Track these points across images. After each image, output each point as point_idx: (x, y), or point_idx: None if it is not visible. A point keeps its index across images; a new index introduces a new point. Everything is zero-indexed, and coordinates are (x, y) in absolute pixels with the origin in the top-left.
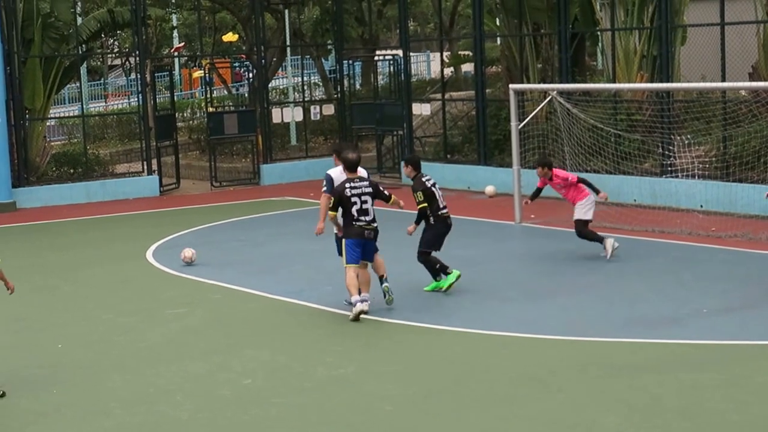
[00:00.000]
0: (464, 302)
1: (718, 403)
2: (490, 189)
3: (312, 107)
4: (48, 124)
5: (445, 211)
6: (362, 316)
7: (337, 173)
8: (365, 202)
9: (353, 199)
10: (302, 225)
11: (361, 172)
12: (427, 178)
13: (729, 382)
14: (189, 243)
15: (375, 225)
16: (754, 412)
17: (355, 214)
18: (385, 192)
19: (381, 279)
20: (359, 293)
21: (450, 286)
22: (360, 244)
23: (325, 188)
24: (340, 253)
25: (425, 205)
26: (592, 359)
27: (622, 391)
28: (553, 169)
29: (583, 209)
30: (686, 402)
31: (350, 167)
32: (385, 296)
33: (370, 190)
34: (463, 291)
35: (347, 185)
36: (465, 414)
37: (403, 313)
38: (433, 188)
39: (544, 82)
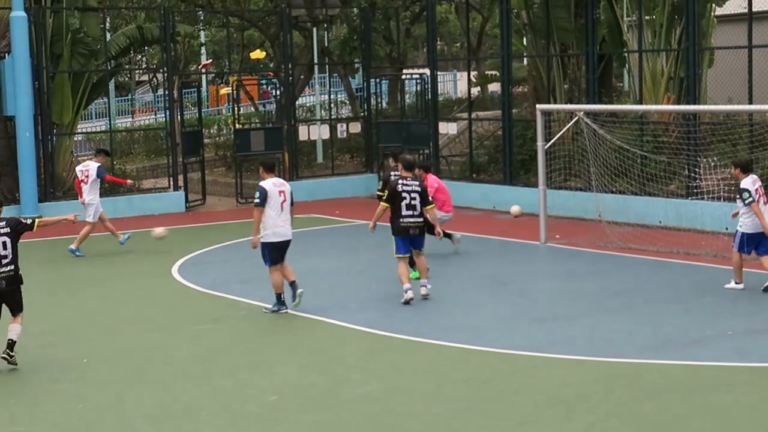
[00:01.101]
0: (492, 322)
1: (745, 425)
2: (515, 209)
3: (339, 125)
4: (75, 139)
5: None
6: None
7: (270, 185)
8: (414, 199)
9: (404, 195)
10: (328, 242)
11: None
12: (405, 182)
13: (756, 405)
14: (215, 259)
15: (420, 221)
16: None
17: (403, 209)
18: (430, 197)
19: (292, 284)
20: (409, 281)
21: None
22: (407, 239)
23: (257, 200)
24: (265, 260)
25: (384, 202)
26: (619, 380)
27: (650, 413)
28: (427, 174)
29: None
30: (714, 425)
31: (407, 167)
32: (294, 299)
33: (419, 189)
34: (491, 311)
35: (400, 182)
36: None
37: (432, 332)
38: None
39: (571, 103)
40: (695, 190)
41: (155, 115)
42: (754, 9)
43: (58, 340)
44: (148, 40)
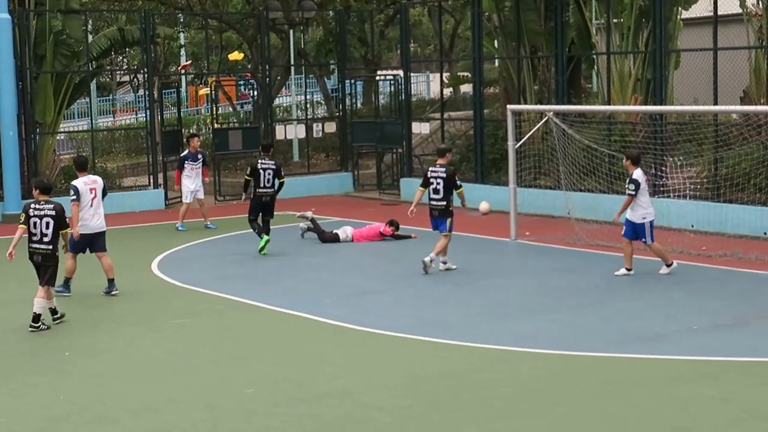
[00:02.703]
0: (463, 317)
1: (710, 418)
2: (484, 206)
3: (314, 125)
4: (58, 138)
5: (263, 190)
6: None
7: (81, 184)
8: (439, 184)
9: (431, 180)
10: (304, 239)
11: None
12: (265, 161)
13: (721, 398)
14: (193, 255)
15: (441, 204)
16: (745, 428)
17: (431, 192)
18: (458, 182)
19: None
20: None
21: (261, 248)
22: (431, 220)
23: (73, 197)
24: (70, 247)
25: (249, 178)
26: (587, 374)
27: (618, 406)
28: None
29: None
30: (679, 417)
31: (440, 154)
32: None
33: (444, 176)
34: (462, 307)
35: (430, 169)
36: (462, 427)
37: (404, 327)
38: (261, 170)
39: (541, 104)
40: (662, 189)
41: (136, 114)
42: (719, 12)
43: (40, 334)
44: (129, 41)
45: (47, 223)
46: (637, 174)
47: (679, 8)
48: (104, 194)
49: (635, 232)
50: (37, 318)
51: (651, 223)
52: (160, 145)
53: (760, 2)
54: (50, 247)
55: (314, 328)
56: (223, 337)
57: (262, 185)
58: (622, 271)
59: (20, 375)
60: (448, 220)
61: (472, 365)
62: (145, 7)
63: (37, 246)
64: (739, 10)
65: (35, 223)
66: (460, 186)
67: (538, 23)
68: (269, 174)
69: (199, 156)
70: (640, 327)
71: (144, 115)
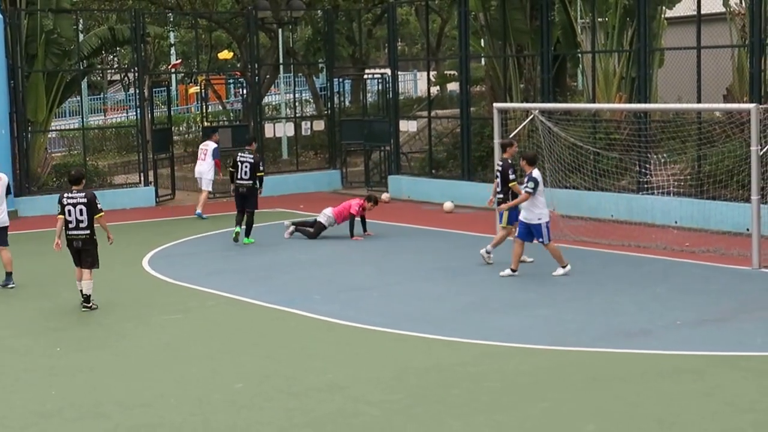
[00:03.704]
0: (450, 312)
1: (693, 413)
2: (448, 205)
3: (303, 123)
4: (49, 136)
5: (240, 182)
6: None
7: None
8: (497, 177)
9: (496, 174)
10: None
11: None
12: (244, 155)
13: (703, 392)
14: (183, 252)
15: (500, 198)
16: (728, 421)
17: (495, 186)
18: (510, 176)
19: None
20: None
21: (234, 237)
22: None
23: None
24: None
25: (233, 170)
26: (572, 369)
27: (602, 400)
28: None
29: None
30: (663, 411)
31: (502, 149)
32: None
33: (500, 169)
34: (449, 302)
35: (497, 162)
36: (450, 420)
37: (393, 323)
38: (239, 162)
39: (527, 102)
40: (646, 186)
41: (126, 113)
42: (703, 11)
43: (31, 330)
44: (120, 40)
45: (81, 210)
46: (536, 173)
47: (663, 7)
48: (8, 192)
49: (530, 233)
50: (88, 299)
51: (547, 223)
52: (150, 143)
53: (742, 1)
54: (87, 232)
55: (304, 323)
56: (213, 333)
57: (239, 177)
58: (507, 272)
59: (13, 370)
60: (505, 213)
61: (460, 360)
62: (135, 7)
63: (75, 233)
64: (723, 10)
65: (69, 211)
66: (513, 180)
67: (524, 22)
68: (246, 167)
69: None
70: (625, 322)
71: (134, 113)
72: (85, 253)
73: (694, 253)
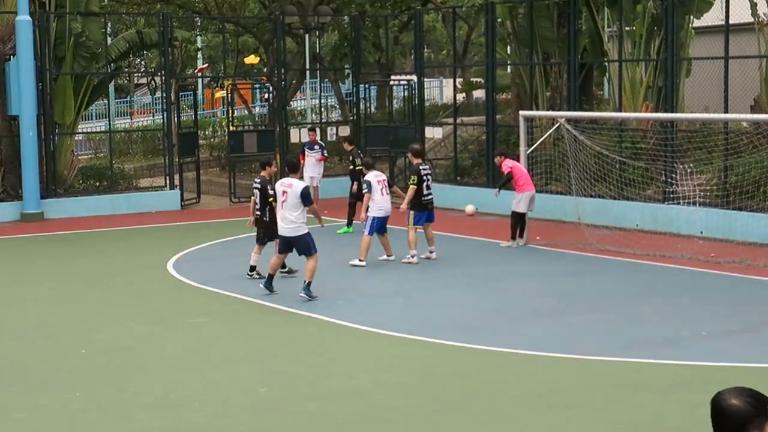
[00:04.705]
0: (474, 319)
1: None
2: (470, 208)
3: (329, 128)
4: (76, 138)
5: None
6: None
7: None
8: (430, 180)
9: (424, 178)
10: (317, 241)
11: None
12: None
13: None
14: (208, 256)
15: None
16: None
17: (424, 189)
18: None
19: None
20: (416, 247)
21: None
22: (425, 214)
23: None
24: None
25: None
26: (596, 378)
27: (626, 409)
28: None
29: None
30: (687, 422)
31: (416, 155)
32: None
33: (430, 171)
34: (474, 309)
35: (422, 167)
36: (472, 428)
37: (416, 329)
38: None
39: (553, 110)
40: (671, 195)
41: (153, 116)
42: (731, 21)
43: (57, 331)
44: (147, 44)
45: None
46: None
47: (691, 17)
48: None
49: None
50: (252, 268)
51: (374, 218)
52: (176, 147)
53: None
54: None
55: (327, 328)
56: (237, 337)
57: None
58: (356, 261)
59: (38, 372)
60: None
61: (483, 367)
62: (163, 11)
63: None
64: (751, 19)
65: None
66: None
67: (551, 30)
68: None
69: (316, 147)
70: (649, 332)
71: (161, 116)
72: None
73: (719, 263)
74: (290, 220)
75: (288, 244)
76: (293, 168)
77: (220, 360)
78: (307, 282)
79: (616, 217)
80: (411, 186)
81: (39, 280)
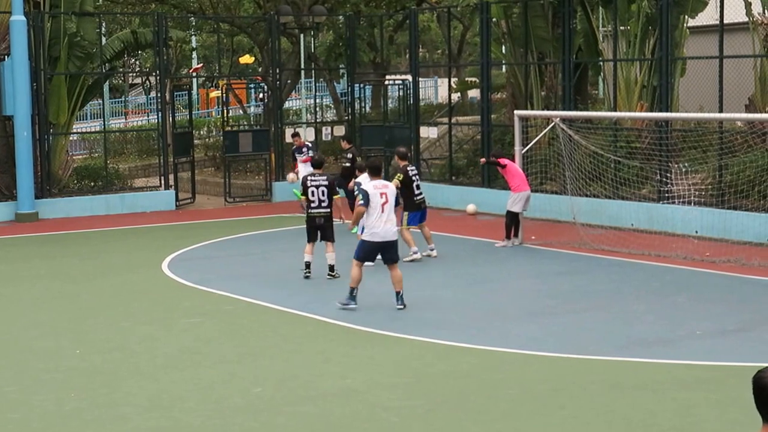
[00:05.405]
0: (469, 319)
1: (712, 422)
2: (471, 207)
3: (323, 128)
4: (71, 138)
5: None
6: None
7: None
8: (418, 180)
9: (413, 179)
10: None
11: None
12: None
13: (722, 402)
14: (203, 256)
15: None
16: (746, 431)
17: (415, 190)
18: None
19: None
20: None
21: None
22: (418, 213)
23: None
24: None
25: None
26: (592, 377)
27: (622, 408)
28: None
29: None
30: (682, 421)
31: (402, 157)
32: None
33: (416, 172)
34: (469, 309)
35: (409, 168)
36: (468, 428)
37: (412, 328)
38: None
39: (548, 109)
40: (666, 195)
41: (147, 116)
42: (725, 21)
43: (52, 331)
44: (142, 44)
45: (323, 192)
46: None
47: (686, 16)
48: None
49: None
50: (332, 268)
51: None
52: (171, 147)
53: (766, 11)
54: (328, 210)
55: (322, 328)
56: (232, 337)
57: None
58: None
59: (33, 371)
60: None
61: (479, 367)
62: (158, 11)
63: (317, 210)
64: (745, 19)
65: (313, 192)
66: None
67: (545, 30)
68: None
69: (304, 149)
70: (645, 331)
71: (155, 116)
72: (323, 229)
73: (714, 263)
74: (394, 222)
75: (381, 250)
76: (377, 171)
77: (214, 360)
78: (399, 293)
79: (611, 217)
80: (396, 180)
81: (33, 280)
